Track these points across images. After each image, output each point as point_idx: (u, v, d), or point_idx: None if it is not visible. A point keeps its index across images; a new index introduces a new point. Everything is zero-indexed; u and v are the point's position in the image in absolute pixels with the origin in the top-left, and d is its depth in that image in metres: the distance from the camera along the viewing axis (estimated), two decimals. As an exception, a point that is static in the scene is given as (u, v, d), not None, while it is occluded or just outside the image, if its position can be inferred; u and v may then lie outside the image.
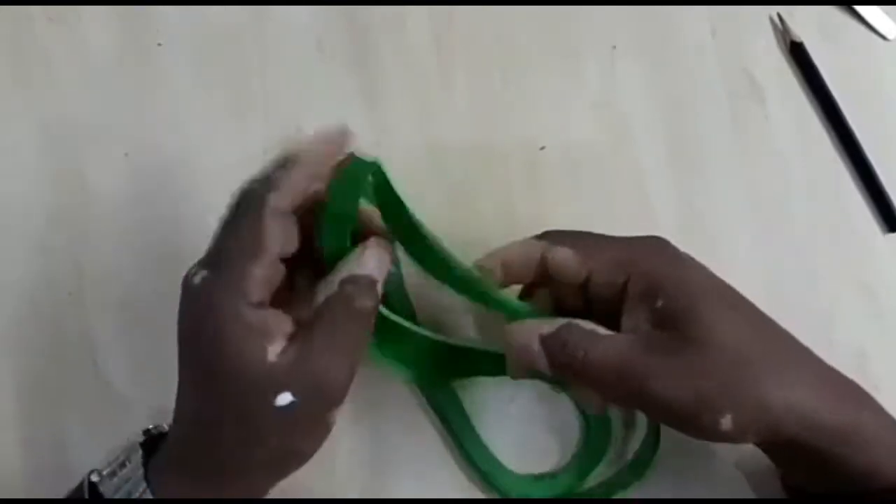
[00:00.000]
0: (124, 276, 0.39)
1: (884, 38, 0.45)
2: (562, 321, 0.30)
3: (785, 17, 0.44)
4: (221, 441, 0.28)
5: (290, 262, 0.29)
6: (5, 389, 0.37)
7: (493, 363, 0.34)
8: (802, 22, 0.44)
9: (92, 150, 0.40)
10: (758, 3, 0.44)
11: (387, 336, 0.33)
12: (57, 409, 0.37)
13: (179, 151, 0.40)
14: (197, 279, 0.27)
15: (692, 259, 0.32)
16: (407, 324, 0.33)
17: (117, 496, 0.29)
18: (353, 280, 0.29)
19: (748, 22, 0.44)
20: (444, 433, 0.38)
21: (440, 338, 0.35)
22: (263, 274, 0.27)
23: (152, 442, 0.31)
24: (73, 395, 0.37)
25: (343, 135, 0.29)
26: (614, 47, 0.43)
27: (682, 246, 0.40)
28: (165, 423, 0.32)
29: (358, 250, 0.30)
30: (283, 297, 0.28)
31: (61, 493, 0.36)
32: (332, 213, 0.30)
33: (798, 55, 0.44)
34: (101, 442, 0.37)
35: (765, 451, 0.31)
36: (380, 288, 0.29)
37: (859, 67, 0.44)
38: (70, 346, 0.38)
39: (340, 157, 0.29)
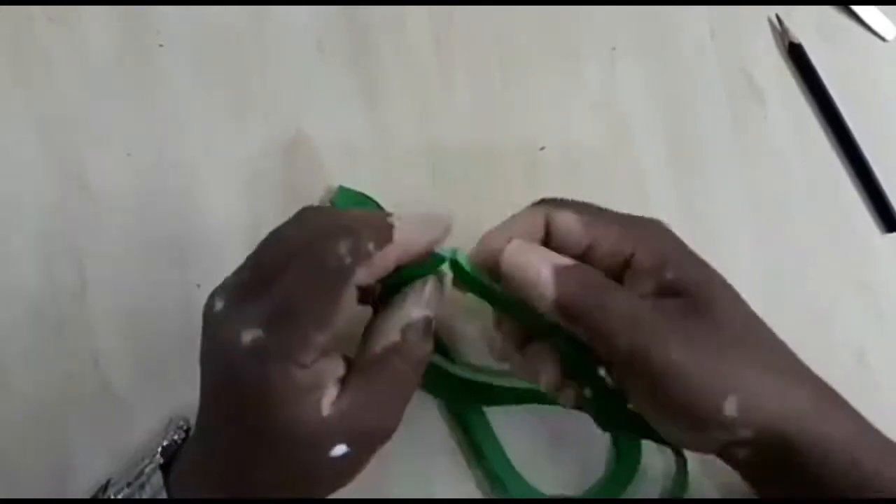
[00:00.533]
0: (127, 277, 0.39)
1: (882, 38, 0.45)
2: (569, 259, 0.28)
3: (783, 17, 0.44)
4: (265, 488, 0.27)
5: None
6: (7, 390, 0.37)
7: (527, 395, 0.35)
8: (801, 23, 0.44)
9: (93, 151, 0.40)
10: (757, 4, 0.45)
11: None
12: (58, 411, 0.37)
13: (180, 151, 0.40)
14: (247, 337, 0.25)
15: (694, 253, 0.31)
16: (445, 363, 0.34)
17: None
18: (412, 327, 0.28)
19: (747, 23, 0.44)
20: (459, 443, 0.38)
21: (478, 377, 0.35)
22: (324, 343, 0.26)
23: (169, 461, 0.31)
24: (75, 397, 0.37)
25: (445, 229, 0.29)
26: (614, 48, 0.43)
27: (682, 246, 0.40)
28: (176, 436, 0.32)
29: (417, 288, 0.29)
30: None
31: (62, 494, 0.36)
32: (391, 284, 0.29)
33: (797, 56, 0.44)
34: (103, 444, 0.37)
35: (741, 464, 0.29)
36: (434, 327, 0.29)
37: (858, 68, 0.44)
38: (72, 348, 0.38)
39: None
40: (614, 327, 0.27)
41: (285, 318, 0.25)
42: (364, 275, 0.26)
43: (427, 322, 0.28)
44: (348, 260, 0.26)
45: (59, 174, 0.40)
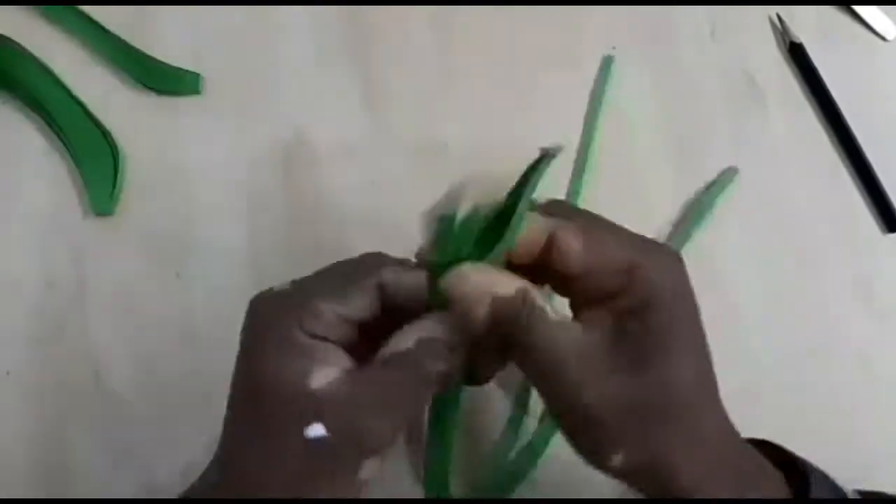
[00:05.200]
0: (126, 277, 0.39)
1: (883, 38, 0.45)
2: (518, 283, 0.27)
3: (784, 17, 0.44)
4: (245, 458, 0.26)
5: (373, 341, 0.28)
6: (7, 390, 0.37)
7: None
8: (802, 22, 0.44)
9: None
10: (757, 4, 0.45)
11: None
12: (58, 411, 0.37)
13: (180, 152, 0.40)
14: (275, 289, 0.27)
15: (691, 293, 0.29)
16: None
17: None
18: (428, 342, 0.27)
19: (748, 22, 0.44)
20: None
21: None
22: (330, 318, 0.26)
23: None
24: (75, 397, 0.37)
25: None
26: (614, 48, 0.43)
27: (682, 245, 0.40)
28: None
29: (446, 311, 0.28)
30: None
31: (62, 494, 0.36)
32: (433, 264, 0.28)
33: (797, 55, 0.44)
34: (102, 444, 0.37)
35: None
36: (457, 356, 0.28)
37: (858, 68, 0.44)
38: (72, 348, 0.38)
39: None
40: (542, 365, 0.27)
41: (309, 283, 0.27)
42: (391, 275, 0.27)
43: (444, 344, 0.27)
44: (380, 260, 0.28)
45: (58, 176, 0.40)
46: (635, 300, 0.27)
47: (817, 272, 0.41)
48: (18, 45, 0.40)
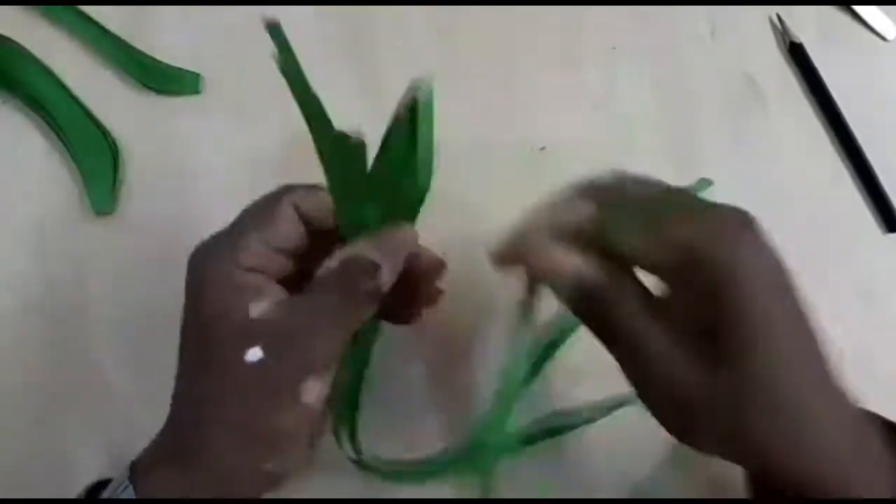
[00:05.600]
0: (125, 276, 0.39)
1: (883, 38, 0.45)
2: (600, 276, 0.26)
3: (784, 17, 0.44)
4: (194, 392, 0.28)
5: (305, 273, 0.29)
6: (7, 389, 0.37)
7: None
8: (802, 22, 0.44)
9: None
10: (757, 4, 0.45)
11: None
12: (57, 410, 0.37)
13: (180, 152, 0.40)
14: (201, 243, 0.29)
15: (768, 262, 0.26)
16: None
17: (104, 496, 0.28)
18: (356, 260, 0.28)
19: (748, 22, 0.44)
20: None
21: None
22: (260, 250, 0.28)
23: None
24: (74, 396, 0.37)
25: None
26: (614, 48, 0.43)
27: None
28: None
29: (374, 235, 0.29)
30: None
31: (62, 494, 0.36)
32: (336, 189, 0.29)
33: (797, 55, 0.44)
34: (102, 443, 0.37)
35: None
36: (386, 278, 0.28)
37: (858, 68, 0.44)
38: (71, 347, 0.38)
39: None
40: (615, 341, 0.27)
41: (236, 222, 0.29)
42: (298, 198, 0.29)
43: (369, 263, 0.28)
44: (289, 188, 0.29)
45: (58, 175, 0.40)
46: (699, 285, 0.25)
47: (817, 272, 0.41)
48: (18, 45, 0.40)
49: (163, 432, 0.29)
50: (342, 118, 0.42)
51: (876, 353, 0.40)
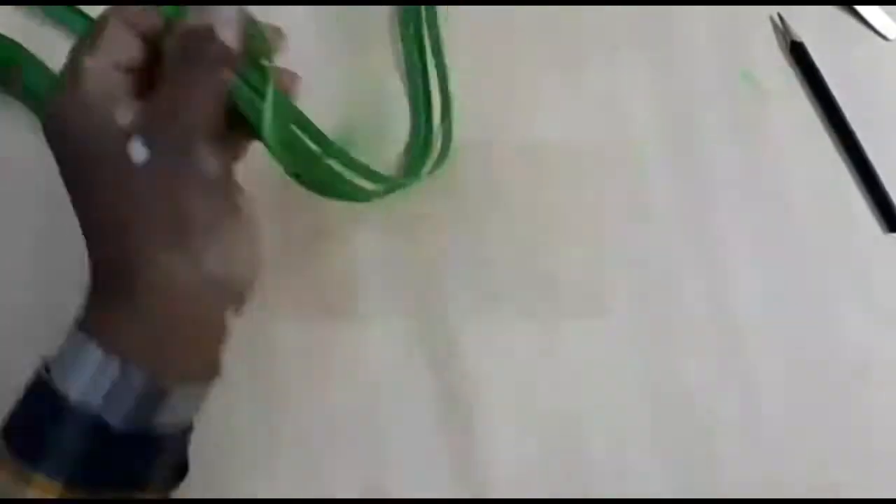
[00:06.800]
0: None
1: (884, 37, 0.45)
2: None
3: (785, 16, 0.44)
4: (104, 233, 0.28)
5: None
6: (5, 389, 0.37)
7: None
8: (802, 22, 0.44)
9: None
10: (758, 3, 0.44)
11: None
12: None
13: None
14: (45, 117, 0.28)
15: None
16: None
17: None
18: (192, 34, 0.27)
19: (749, 22, 0.44)
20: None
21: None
22: (106, 69, 0.27)
23: None
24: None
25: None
26: (615, 47, 0.43)
27: (682, 246, 0.40)
28: None
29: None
30: None
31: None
32: None
33: (798, 55, 0.44)
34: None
35: None
36: (229, 39, 0.28)
37: (859, 67, 0.44)
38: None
39: None
40: None
41: (72, 51, 0.28)
42: (132, 13, 0.28)
43: (208, 28, 0.27)
44: (116, 5, 0.28)
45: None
46: None
47: (817, 272, 0.41)
48: (18, 45, 0.40)
49: (93, 286, 0.29)
50: (342, 118, 0.42)
51: (876, 353, 0.40)
